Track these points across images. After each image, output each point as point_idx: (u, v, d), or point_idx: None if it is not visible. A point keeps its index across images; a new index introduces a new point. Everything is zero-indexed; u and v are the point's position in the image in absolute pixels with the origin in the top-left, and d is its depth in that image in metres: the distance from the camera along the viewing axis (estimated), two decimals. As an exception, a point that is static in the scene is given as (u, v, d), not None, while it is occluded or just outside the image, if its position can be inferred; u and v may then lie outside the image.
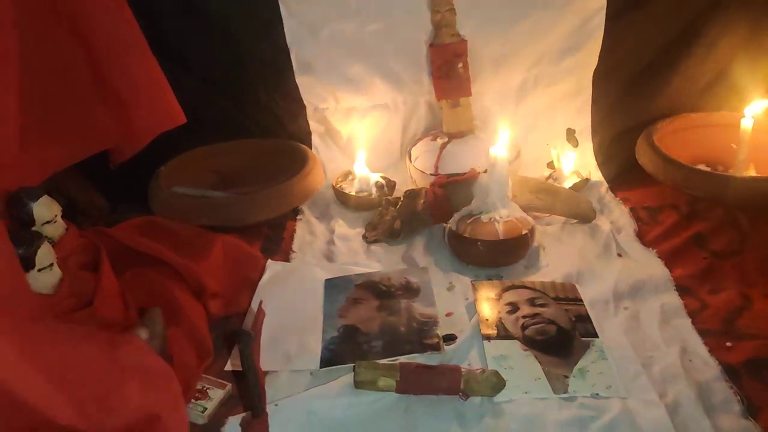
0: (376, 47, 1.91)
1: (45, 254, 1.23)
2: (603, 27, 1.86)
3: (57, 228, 1.37)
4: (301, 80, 1.94)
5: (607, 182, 1.93)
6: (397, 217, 1.75)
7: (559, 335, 1.36)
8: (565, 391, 1.22)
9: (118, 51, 1.58)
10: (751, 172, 1.78)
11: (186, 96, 1.70)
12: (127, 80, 1.60)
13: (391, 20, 1.88)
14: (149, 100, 1.65)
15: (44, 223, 1.34)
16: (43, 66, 1.48)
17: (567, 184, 1.87)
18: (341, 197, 1.93)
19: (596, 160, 1.98)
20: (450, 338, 1.37)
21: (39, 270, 1.22)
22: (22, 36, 1.37)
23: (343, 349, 1.37)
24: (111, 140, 1.69)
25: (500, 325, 1.39)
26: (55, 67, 1.52)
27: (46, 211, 1.33)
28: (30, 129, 1.42)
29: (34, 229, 1.32)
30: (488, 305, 1.45)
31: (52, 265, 1.25)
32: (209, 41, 1.88)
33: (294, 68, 1.91)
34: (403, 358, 1.30)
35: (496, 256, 1.60)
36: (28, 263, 1.21)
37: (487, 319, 1.40)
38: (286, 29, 1.86)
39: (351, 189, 1.93)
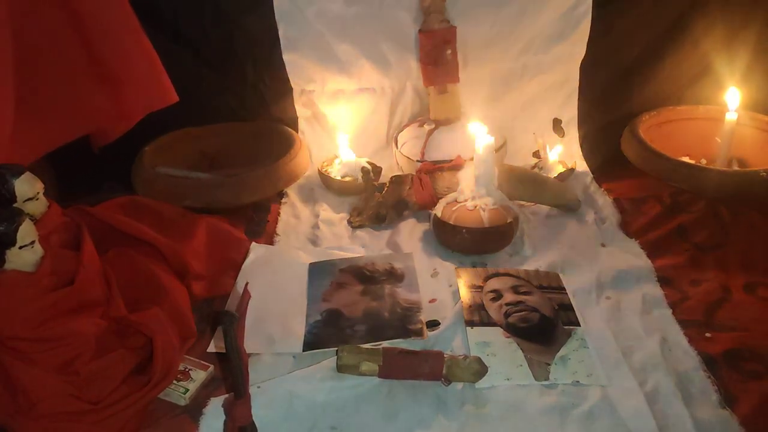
0: (363, 28, 1.89)
1: (27, 231, 1.21)
2: (590, 15, 1.86)
3: (39, 205, 1.34)
4: (288, 58, 1.92)
5: (592, 172, 1.93)
6: (382, 202, 1.75)
7: (542, 323, 1.37)
8: (547, 379, 1.23)
9: (110, 29, 1.56)
10: (734, 166, 1.80)
11: (177, 74, 1.68)
12: (119, 58, 1.59)
13: (378, 1, 1.87)
14: (141, 78, 1.64)
15: (26, 200, 1.31)
16: (35, 45, 1.46)
17: (552, 173, 1.88)
18: (326, 181, 1.92)
19: (582, 150, 1.99)
20: (433, 324, 1.38)
21: (20, 247, 1.20)
22: (12, 13, 1.35)
23: (327, 333, 1.37)
24: (103, 120, 1.67)
25: (483, 312, 1.39)
26: (47, 46, 1.50)
27: (28, 187, 1.31)
28: (22, 109, 1.40)
29: (15, 205, 1.30)
30: (472, 292, 1.45)
31: (33, 242, 1.23)
32: (201, 17, 1.85)
33: (282, 45, 1.89)
34: (386, 343, 1.31)
35: (481, 243, 1.60)
36: (9, 240, 1.19)
37: (470, 306, 1.41)
38: (275, 5, 1.84)
39: (336, 173, 1.93)
